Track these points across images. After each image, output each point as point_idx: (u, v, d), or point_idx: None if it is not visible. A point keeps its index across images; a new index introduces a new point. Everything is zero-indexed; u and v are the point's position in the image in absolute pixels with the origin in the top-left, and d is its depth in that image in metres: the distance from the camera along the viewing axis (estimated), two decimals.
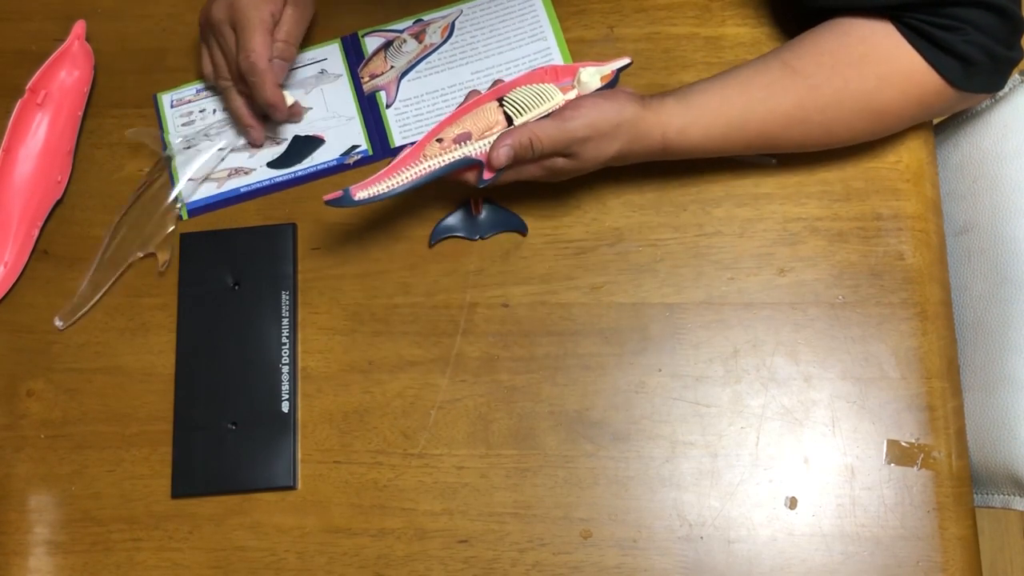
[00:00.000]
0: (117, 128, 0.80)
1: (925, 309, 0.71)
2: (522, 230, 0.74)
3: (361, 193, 0.64)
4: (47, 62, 0.80)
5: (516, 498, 0.69)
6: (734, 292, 0.72)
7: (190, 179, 0.77)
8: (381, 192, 0.64)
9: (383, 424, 0.71)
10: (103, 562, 0.70)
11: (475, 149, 0.65)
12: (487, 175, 0.66)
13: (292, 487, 0.70)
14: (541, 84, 0.67)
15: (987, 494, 0.73)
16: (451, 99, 0.78)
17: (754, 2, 0.79)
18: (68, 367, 0.74)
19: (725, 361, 0.71)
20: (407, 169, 0.65)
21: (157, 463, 0.72)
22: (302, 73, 0.80)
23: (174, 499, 0.71)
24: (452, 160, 0.65)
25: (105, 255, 0.76)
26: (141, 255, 0.76)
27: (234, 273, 0.75)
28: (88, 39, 0.81)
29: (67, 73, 0.80)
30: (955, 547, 0.66)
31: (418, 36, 0.80)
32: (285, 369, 0.72)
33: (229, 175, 0.78)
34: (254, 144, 0.78)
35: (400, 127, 0.78)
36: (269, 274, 0.74)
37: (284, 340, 0.73)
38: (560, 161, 0.66)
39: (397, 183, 0.64)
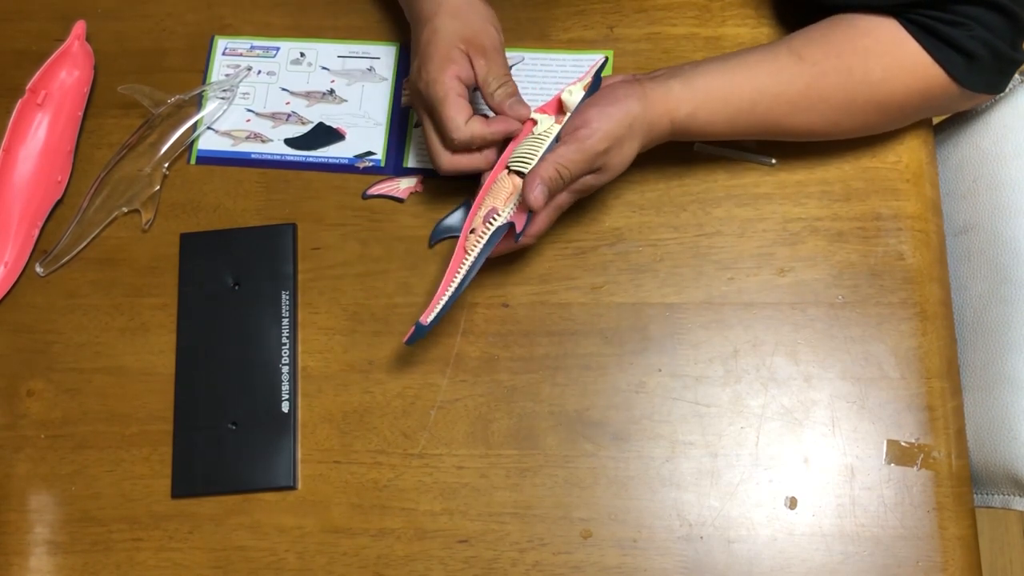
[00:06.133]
0: (117, 128, 0.80)
1: (925, 309, 0.71)
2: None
3: (430, 316, 0.65)
4: (47, 62, 0.80)
5: (516, 498, 0.69)
6: (734, 292, 0.72)
7: (210, 128, 0.79)
8: (444, 304, 0.65)
9: (383, 424, 0.71)
10: (103, 562, 0.70)
11: (505, 216, 0.65)
12: (520, 225, 0.65)
13: (292, 487, 0.70)
14: (531, 132, 0.67)
15: (987, 494, 0.73)
16: None
17: (754, 2, 0.79)
18: (68, 367, 0.74)
19: (725, 361, 0.71)
20: (458, 274, 0.65)
21: (157, 463, 0.72)
22: (351, 64, 0.81)
23: (174, 499, 0.71)
24: (488, 237, 0.65)
25: (88, 210, 0.77)
26: (126, 210, 0.77)
27: (234, 273, 0.75)
28: (88, 39, 0.81)
29: (67, 73, 0.80)
30: (955, 547, 0.66)
31: None
32: (285, 369, 0.72)
33: (247, 137, 0.79)
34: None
35: (419, 149, 0.77)
36: (269, 274, 0.74)
37: (284, 340, 0.73)
38: (590, 179, 0.66)
39: (453, 289, 0.65)
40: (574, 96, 0.67)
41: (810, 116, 0.69)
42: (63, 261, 0.76)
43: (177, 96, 0.79)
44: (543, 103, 0.69)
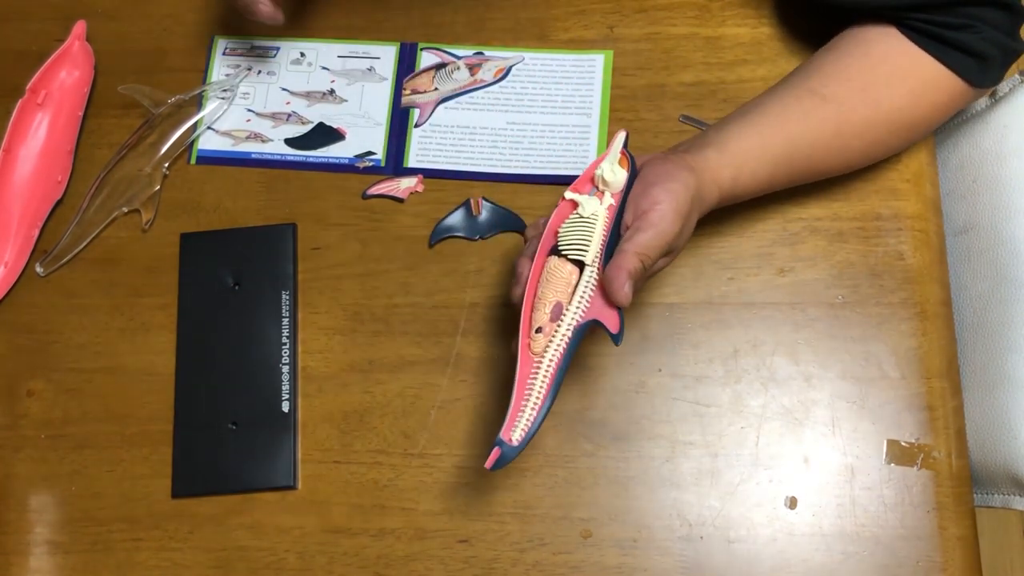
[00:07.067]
0: (117, 128, 0.80)
1: (925, 309, 0.71)
2: (521, 230, 0.74)
3: (515, 434, 0.57)
4: (47, 62, 0.80)
5: (516, 498, 0.69)
6: (734, 292, 0.72)
7: (210, 128, 0.79)
8: (533, 419, 0.57)
9: (383, 424, 0.71)
10: (103, 562, 0.70)
11: (577, 312, 0.59)
12: (614, 326, 0.59)
13: (292, 487, 0.70)
14: (573, 213, 0.62)
15: (987, 494, 0.73)
16: (480, 140, 0.77)
17: (754, 2, 0.79)
18: (68, 367, 0.74)
19: (725, 361, 0.71)
20: (534, 379, 0.58)
21: (157, 463, 0.72)
22: (351, 64, 0.80)
23: (174, 499, 0.71)
24: (569, 339, 0.58)
25: (88, 211, 0.77)
26: (126, 210, 0.77)
27: (234, 273, 0.75)
28: (88, 39, 0.81)
29: (67, 73, 0.80)
30: (955, 547, 0.66)
31: (472, 68, 0.79)
32: (285, 369, 0.72)
33: (247, 137, 0.79)
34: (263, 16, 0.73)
35: (419, 149, 0.77)
36: (269, 274, 0.74)
37: (284, 340, 0.73)
38: (661, 262, 0.62)
39: (538, 400, 0.58)
40: (618, 176, 0.61)
41: (846, 154, 0.68)
42: (63, 261, 0.76)
43: (177, 96, 0.79)
44: (574, 181, 0.63)
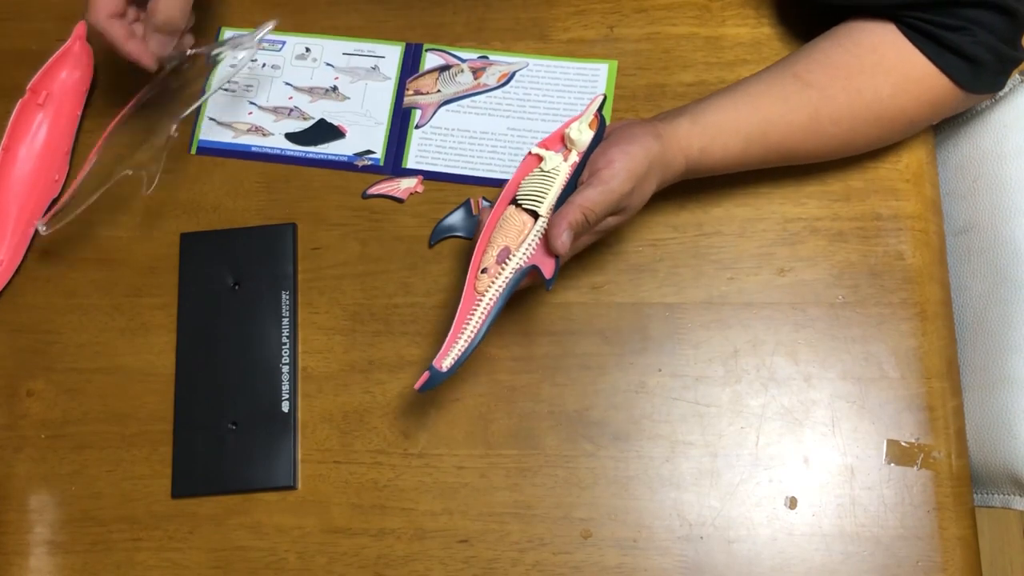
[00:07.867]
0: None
1: (925, 309, 0.71)
2: None
3: (446, 361, 0.62)
4: (48, 62, 0.80)
5: (516, 498, 0.69)
6: (734, 292, 0.72)
7: (211, 119, 0.79)
8: (464, 349, 0.62)
9: (383, 424, 0.71)
10: (103, 562, 0.70)
11: (522, 258, 0.63)
12: (549, 272, 0.63)
13: (292, 487, 0.70)
14: (537, 168, 0.65)
15: (987, 494, 0.73)
16: (479, 145, 0.77)
17: (754, 2, 0.79)
18: (68, 367, 0.74)
19: (725, 361, 0.71)
20: (472, 314, 0.62)
21: (157, 463, 0.72)
22: (356, 62, 0.80)
23: (174, 499, 0.71)
24: (509, 281, 0.62)
25: (94, 168, 0.74)
26: (130, 173, 0.74)
27: (234, 273, 0.75)
28: (88, 39, 0.81)
29: (67, 73, 0.80)
30: (955, 547, 0.66)
31: (476, 72, 0.79)
32: (285, 369, 0.72)
33: (249, 129, 0.79)
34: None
35: (419, 151, 0.77)
36: (269, 274, 0.74)
37: (284, 340, 0.73)
38: (611, 220, 0.64)
39: (472, 333, 0.62)
40: (584, 136, 0.64)
41: (822, 140, 0.68)
42: (67, 219, 0.73)
43: (192, 50, 0.75)
44: (544, 137, 0.67)
